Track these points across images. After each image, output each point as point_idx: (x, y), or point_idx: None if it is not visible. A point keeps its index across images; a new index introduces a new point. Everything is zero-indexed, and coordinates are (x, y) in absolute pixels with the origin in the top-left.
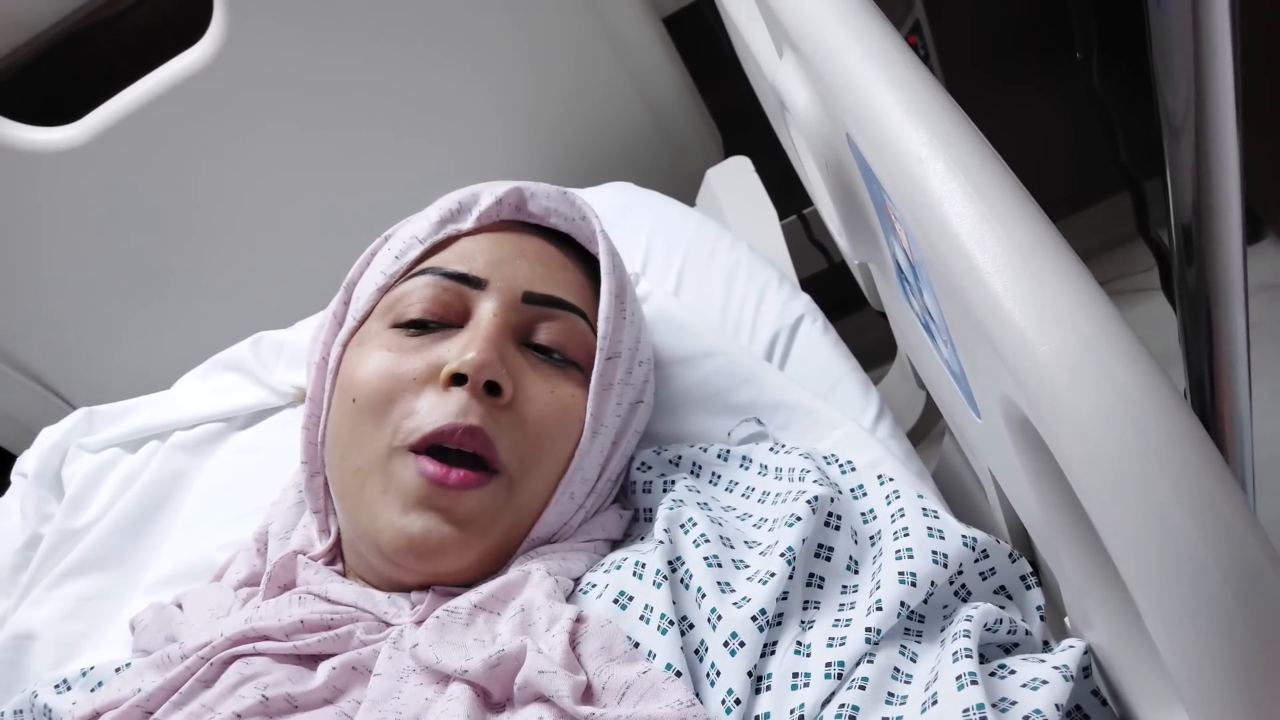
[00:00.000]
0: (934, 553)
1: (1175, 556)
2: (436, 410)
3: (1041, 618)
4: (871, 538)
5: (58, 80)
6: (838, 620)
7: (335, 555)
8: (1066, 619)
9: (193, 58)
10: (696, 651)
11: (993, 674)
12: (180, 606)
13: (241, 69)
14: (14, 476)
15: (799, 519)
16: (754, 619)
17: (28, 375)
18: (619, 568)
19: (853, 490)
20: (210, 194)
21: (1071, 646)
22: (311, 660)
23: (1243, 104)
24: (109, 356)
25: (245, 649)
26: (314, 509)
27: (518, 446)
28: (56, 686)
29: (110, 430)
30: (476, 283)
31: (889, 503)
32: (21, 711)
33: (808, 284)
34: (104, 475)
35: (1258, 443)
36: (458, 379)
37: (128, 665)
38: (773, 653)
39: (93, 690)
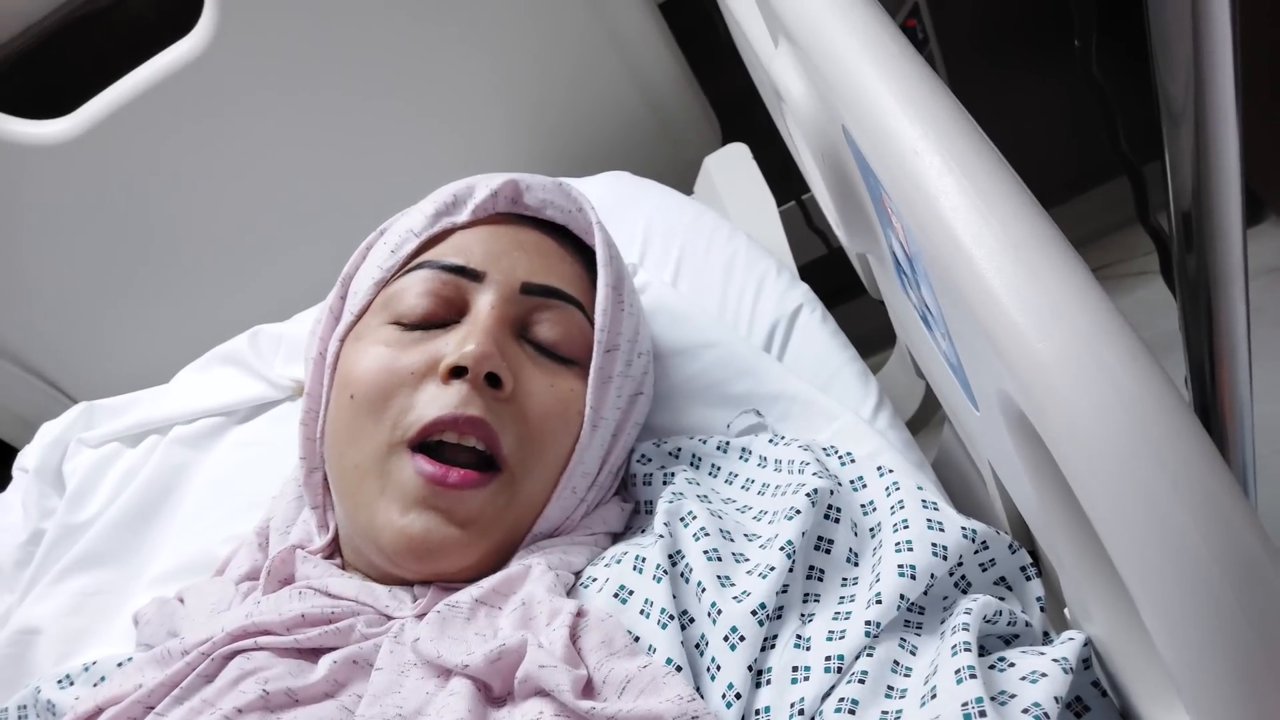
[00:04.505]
0: (933, 545)
1: (1175, 555)
2: (435, 402)
3: (1041, 609)
4: (871, 530)
5: (51, 73)
6: (837, 613)
7: (334, 550)
8: (1066, 610)
9: (185, 48)
10: (697, 646)
11: (992, 667)
12: (182, 601)
13: (235, 59)
14: (15, 471)
15: (798, 512)
16: (754, 613)
17: (27, 370)
18: (619, 562)
19: (852, 482)
20: (206, 186)
21: (1071, 639)
22: (312, 654)
23: (1243, 90)
24: (107, 350)
25: (246, 644)
26: (312, 505)
27: (519, 441)
28: (59, 681)
29: (110, 425)
30: (474, 275)
31: (888, 494)
32: (25, 707)
33: (807, 270)
34: (105, 470)
35: (1259, 429)
36: (457, 371)
37: (129, 660)
38: (773, 646)
39: (95, 685)
